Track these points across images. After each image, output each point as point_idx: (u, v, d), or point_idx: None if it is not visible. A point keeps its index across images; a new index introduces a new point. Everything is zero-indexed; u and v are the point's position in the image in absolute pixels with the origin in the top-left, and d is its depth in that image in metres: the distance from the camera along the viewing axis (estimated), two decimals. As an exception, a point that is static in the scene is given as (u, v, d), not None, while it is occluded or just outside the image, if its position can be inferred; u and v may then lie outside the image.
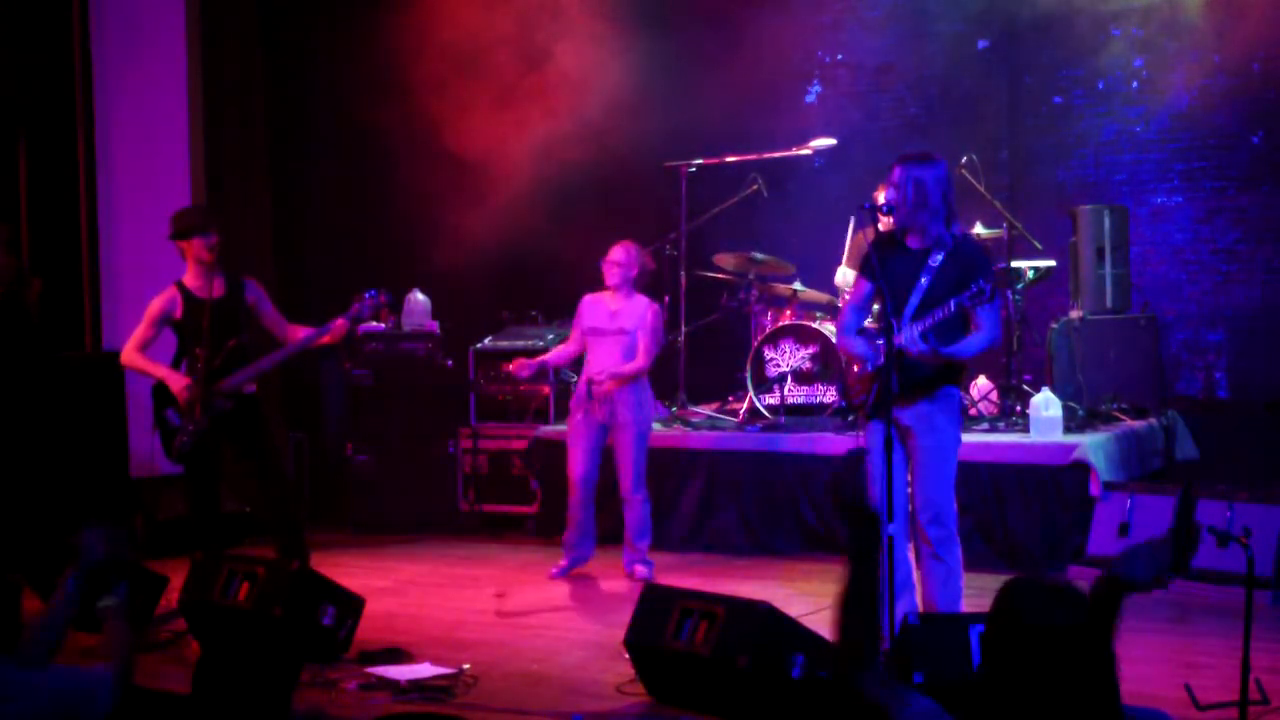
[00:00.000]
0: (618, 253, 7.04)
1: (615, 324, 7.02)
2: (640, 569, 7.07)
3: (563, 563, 7.22)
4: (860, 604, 2.70)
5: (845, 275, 8.33)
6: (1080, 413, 7.66)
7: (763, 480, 7.76)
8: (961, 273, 5.05)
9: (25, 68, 8.67)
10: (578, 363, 7.39)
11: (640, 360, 6.99)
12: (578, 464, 7.10)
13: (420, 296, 9.02)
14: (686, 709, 4.76)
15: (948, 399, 5.20)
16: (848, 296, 7.93)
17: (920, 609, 5.27)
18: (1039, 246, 8.02)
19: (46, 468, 7.93)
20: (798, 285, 8.53)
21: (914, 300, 5.10)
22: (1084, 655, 2.29)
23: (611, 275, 7.03)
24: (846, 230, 8.76)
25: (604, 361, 7.00)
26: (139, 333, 6.41)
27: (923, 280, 5.10)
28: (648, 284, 7.34)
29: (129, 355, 6.43)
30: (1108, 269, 8.23)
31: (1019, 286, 7.98)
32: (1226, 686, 4.48)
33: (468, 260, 9.25)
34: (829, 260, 8.93)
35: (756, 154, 8.85)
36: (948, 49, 9.55)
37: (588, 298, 7.19)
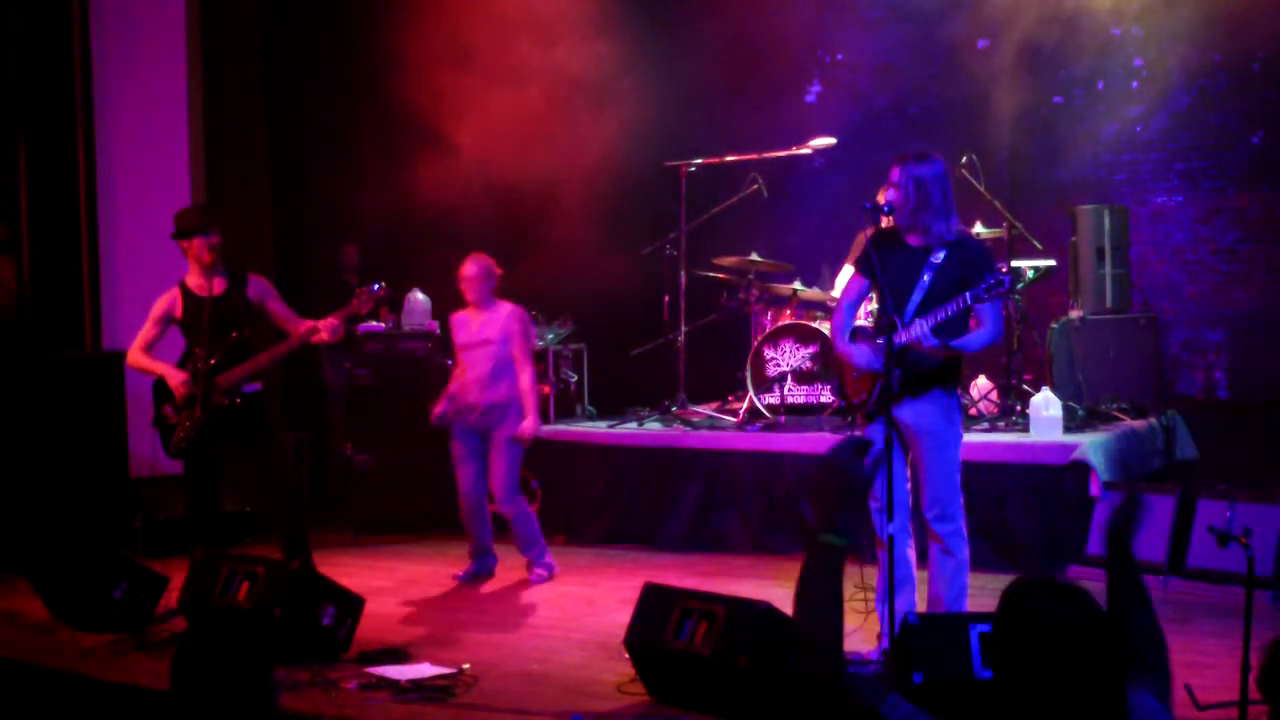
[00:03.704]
0: (470, 268, 7.02)
1: (480, 336, 7.01)
2: (538, 571, 7.05)
3: (469, 567, 7.19)
4: (836, 595, 2.73)
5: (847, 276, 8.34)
6: (1080, 413, 7.66)
7: (762, 480, 7.76)
8: (964, 270, 5.07)
9: (25, 68, 8.67)
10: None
11: (525, 370, 6.94)
12: (464, 479, 7.06)
13: (420, 296, 9.01)
14: (686, 709, 4.75)
15: (945, 396, 5.20)
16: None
17: (924, 606, 5.27)
18: (1039, 246, 8.02)
19: (46, 467, 7.93)
20: (798, 285, 8.53)
21: (916, 297, 5.11)
22: (1096, 655, 2.29)
23: (470, 291, 7.02)
24: (848, 231, 8.75)
25: (475, 372, 6.98)
26: (143, 333, 6.53)
27: (925, 277, 5.11)
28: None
29: (134, 355, 6.54)
30: (1108, 269, 8.23)
31: (1019, 286, 7.97)
32: (1226, 686, 4.49)
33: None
34: (829, 260, 8.93)
35: (756, 154, 8.84)
36: (948, 49, 9.55)
37: (455, 316, 7.18)
